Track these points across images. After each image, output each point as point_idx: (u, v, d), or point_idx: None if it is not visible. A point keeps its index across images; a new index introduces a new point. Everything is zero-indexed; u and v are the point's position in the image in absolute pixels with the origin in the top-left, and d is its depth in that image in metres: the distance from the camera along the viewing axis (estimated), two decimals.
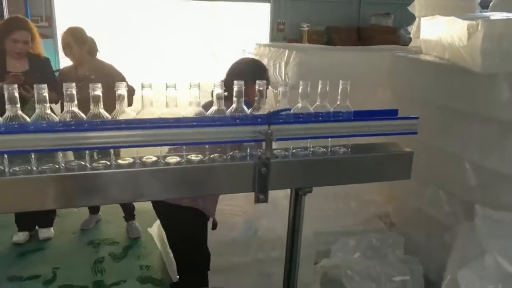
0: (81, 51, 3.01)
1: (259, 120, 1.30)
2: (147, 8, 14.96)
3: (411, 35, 5.16)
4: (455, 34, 2.20)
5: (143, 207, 3.44)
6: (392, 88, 2.89)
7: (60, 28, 9.87)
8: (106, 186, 1.22)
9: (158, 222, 3.19)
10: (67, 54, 3.02)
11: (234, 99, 1.33)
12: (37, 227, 3.34)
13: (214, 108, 1.34)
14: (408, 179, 1.51)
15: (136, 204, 3.40)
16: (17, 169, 1.11)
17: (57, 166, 1.15)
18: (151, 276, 2.88)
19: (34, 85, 1.12)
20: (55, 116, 1.15)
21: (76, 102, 1.16)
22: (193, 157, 1.31)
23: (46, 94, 1.12)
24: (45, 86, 1.12)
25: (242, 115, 1.32)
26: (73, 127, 1.12)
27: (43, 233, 3.31)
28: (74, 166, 1.17)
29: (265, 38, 13.80)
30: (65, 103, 1.16)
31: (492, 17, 2.01)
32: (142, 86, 1.22)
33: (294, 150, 1.39)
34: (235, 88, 1.33)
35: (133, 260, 3.06)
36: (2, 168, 1.10)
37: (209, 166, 1.31)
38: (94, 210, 3.51)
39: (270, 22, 13.07)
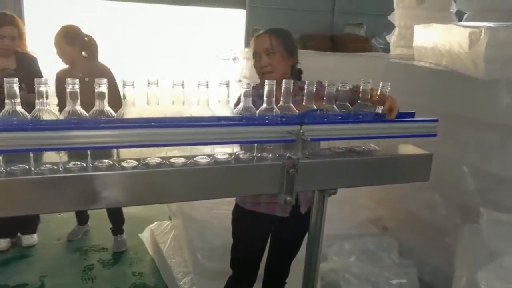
0: (72, 50, 2.86)
1: (291, 120, 1.30)
2: (123, 12, 14.70)
3: (391, 44, 5.28)
4: (454, 41, 2.27)
5: (131, 212, 3.36)
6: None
7: (29, 28, 9.55)
8: (134, 186, 1.18)
9: (149, 227, 3.13)
10: (58, 54, 2.85)
11: (265, 98, 1.32)
12: (19, 233, 3.19)
13: (241, 105, 1.33)
14: (427, 181, 1.54)
15: (131, 210, 3.28)
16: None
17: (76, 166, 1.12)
18: (145, 283, 2.79)
19: (4, 79, 1.07)
20: (26, 113, 1.10)
21: (78, 101, 1.13)
22: (220, 156, 1.28)
23: (16, 89, 1.08)
24: (15, 80, 1.07)
25: (273, 115, 1.31)
26: (74, 125, 1.10)
27: (27, 239, 3.16)
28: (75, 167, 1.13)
29: (240, 45, 13.85)
30: (67, 102, 1.13)
31: (493, 25, 2.09)
32: (148, 83, 1.20)
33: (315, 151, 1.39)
34: (266, 88, 1.31)
35: (124, 267, 2.96)
36: None
37: (236, 167, 1.28)
38: (82, 221, 3.37)
39: (245, 29, 13.13)
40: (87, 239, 3.31)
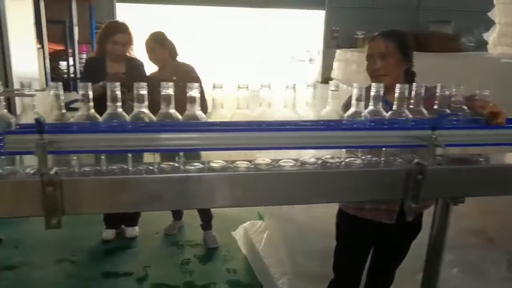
0: (164, 54, 3.06)
1: (421, 124, 1.26)
2: (198, 15, 15.22)
3: (490, 42, 4.94)
4: None
5: (221, 210, 3.45)
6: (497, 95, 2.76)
7: None
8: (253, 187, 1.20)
9: (243, 226, 3.20)
10: (151, 58, 3.07)
11: (372, 101, 1.28)
12: (123, 225, 3.43)
13: (352, 110, 1.29)
14: None
15: (217, 209, 3.39)
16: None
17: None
18: (239, 280, 2.87)
19: (107, 84, 1.13)
20: (152, 116, 1.15)
21: (173, 104, 1.15)
22: (330, 159, 1.27)
23: (118, 92, 1.12)
24: (117, 84, 1.12)
25: (402, 119, 1.27)
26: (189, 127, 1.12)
27: (130, 231, 3.39)
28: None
29: (318, 46, 13.73)
30: (161, 105, 1.16)
31: None
32: (214, 87, 1.19)
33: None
34: (373, 92, 1.27)
35: (218, 263, 3.07)
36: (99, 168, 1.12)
37: (363, 171, 1.27)
38: (177, 216, 3.55)
39: (324, 30, 13.00)
40: (182, 234, 3.48)
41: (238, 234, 3.24)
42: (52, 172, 1.05)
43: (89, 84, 1.12)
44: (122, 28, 3.02)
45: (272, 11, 15.05)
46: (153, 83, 1.28)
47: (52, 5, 8.50)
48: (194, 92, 1.16)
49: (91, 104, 1.13)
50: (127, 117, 1.15)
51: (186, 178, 1.12)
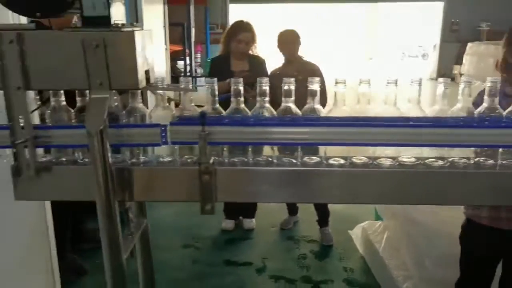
0: (296, 50, 3.14)
1: None
2: (306, 12, 15.22)
3: None
4: None
5: (336, 208, 3.41)
6: None
7: None
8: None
9: (361, 225, 3.14)
10: (286, 49, 3.14)
11: None
12: (241, 217, 3.58)
13: (484, 105, 1.17)
14: None
15: (336, 207, 3.36)
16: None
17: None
18: (356, 279, 2.83)
19: (232, 80, 1.17)
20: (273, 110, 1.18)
21: (293, 98, 1.17)
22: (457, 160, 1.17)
23: (241, 88, 1.17)
24: (241, 80, 1.17)
25: None
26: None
27: (247, 223, 3.54)
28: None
29: (433, 40, 12.88)
30: (283, 99, 1.18)
31: None
32: (336, 83, 1.16)
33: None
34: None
35: (335, 261, 3.06)
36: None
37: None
38: (292, 212, 3.61)
39: (442, 22, 12.13)
40: (297, 229, 3.53)
41: (355, 233, 3.18)
42: (210, 161, 1.13)
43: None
44: (246, 27, 3.15)
45: (383, 5, 14.48)
46: (275, 79, 1.32)
47: (173, 8, 9.18)
48: (315, 86, 1.18)
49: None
50: (249, 113, 1.19)
51: (302, 172, 1.15)
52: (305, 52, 3.25)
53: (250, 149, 1.19)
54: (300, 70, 3.03)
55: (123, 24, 1.08)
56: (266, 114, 1.20)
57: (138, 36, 1.07)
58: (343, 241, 3.27)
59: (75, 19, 1.32)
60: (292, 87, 1.17)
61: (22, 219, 2.05)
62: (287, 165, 1.19)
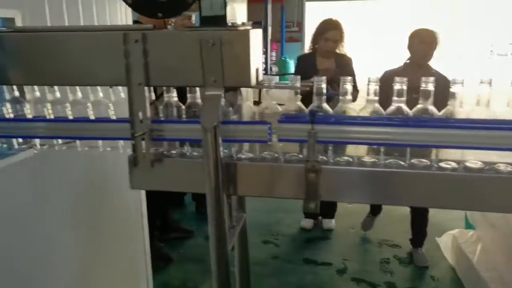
0: (431, 55, 2.83)
1: None
2: (391, 10, 14.70)
3: None
4: None
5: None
6: None
7: (308, 34, 10.59)
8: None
9: (451, 233, 2.98)
10: (421, 51, 2.79)
11: None
12: (320, 217, 3.55)
13: None
14: None
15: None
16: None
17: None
18: None
19: (314, 78, 1.13)
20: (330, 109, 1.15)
21: (404, 98, 1.12)
22: None
23: (324, 86, 1.14)
24: (323, 78, 1.14)
25: None
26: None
27: (326, 223, 3.50)
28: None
29: None
30: (393, 99, 1.13)
31: None
32: (453, 83, 1.09)
33: None
34: None
35: (422, 269, 2.92)
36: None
37: None
38: (375, 211, 3.49)
39: None
40: (378, 232, 3.41)
41: (443, 241, 3.02)
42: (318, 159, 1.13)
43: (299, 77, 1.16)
44: (335, 25, 3.10)
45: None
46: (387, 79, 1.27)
47: (251, 7, 9.34)
48: (430, 87, 1.12)
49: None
50: (331, 111, 1.16)
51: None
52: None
53: (330, 148, 1.18)
54: (418, 76, 2.74)
55: (243, 23, 1.11)
56: (352, 112, 1.17)
57: (252, 35, 1.10)
58: (430, 248, 3.11)
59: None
60: (405, 87, 1.13)
61: (122, 207, 2.20)
62: (394, 167, 1.16)
